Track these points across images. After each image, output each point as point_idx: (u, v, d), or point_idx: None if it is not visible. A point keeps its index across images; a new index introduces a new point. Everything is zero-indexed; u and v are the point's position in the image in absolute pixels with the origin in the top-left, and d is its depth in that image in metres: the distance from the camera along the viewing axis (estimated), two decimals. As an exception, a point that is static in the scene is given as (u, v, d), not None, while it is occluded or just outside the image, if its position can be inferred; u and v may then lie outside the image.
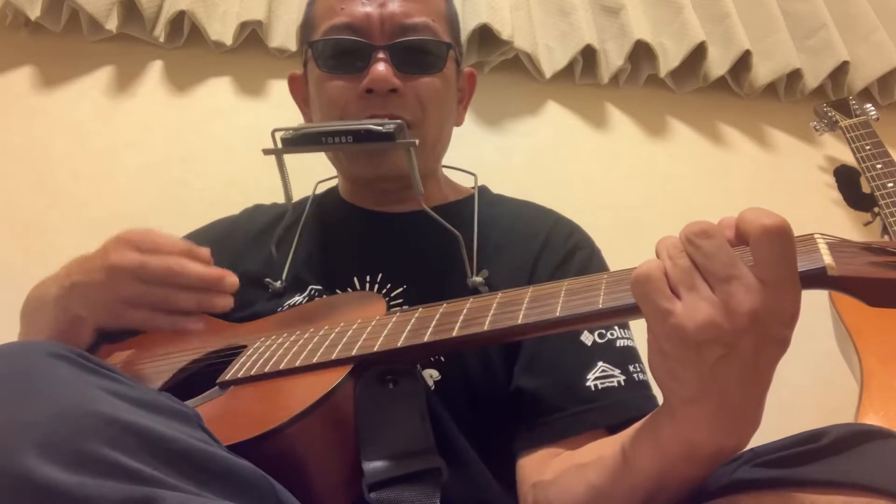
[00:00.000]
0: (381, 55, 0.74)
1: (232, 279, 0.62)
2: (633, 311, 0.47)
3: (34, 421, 0.38)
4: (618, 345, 0.68)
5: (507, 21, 1.37)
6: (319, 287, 0.78)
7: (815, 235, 0.45)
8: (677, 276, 0.42)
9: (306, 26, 0.85)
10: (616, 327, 0.70)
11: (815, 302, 1.15)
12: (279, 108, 1.36)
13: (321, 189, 0.94)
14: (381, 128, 0.67)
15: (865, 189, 1.33)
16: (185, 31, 1.34)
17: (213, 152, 1.30)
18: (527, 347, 0.71)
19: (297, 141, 0.70)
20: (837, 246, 0.44)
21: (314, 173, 0.94)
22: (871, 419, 0.92)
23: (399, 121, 0.68)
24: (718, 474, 0.48)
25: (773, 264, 0.40)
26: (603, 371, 0.66)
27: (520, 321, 0.52)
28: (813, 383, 1.22)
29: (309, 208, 0.88)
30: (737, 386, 0.42)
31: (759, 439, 0.50)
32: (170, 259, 0.60)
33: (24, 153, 1.25)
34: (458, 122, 0.90)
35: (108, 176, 1.25)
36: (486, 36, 1.39)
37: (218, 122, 1.33)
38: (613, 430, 0.61)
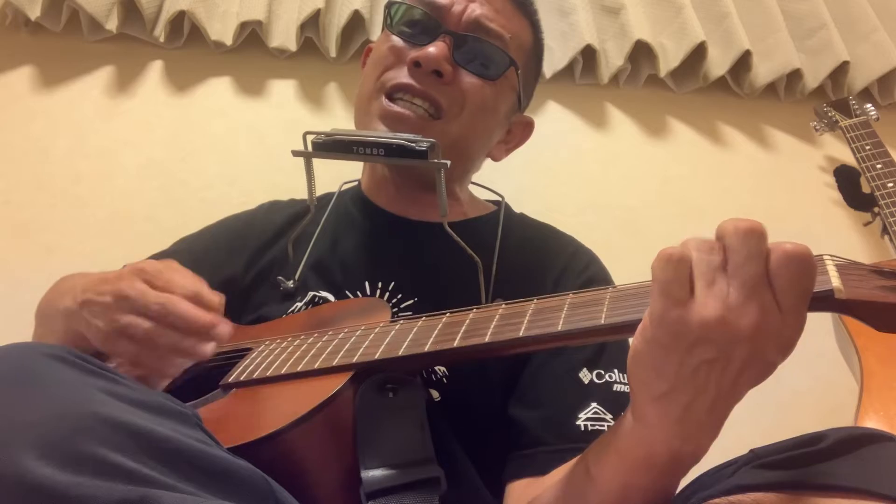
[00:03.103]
0: (445, 38, 0.75)
1: (222, 330, 0.59)
2: (635, 328, 0.46)
3: (32, 422, 0.38)
4: (615, 389, 0.68)
5: (507, 21, 1.37)
6: (325, 294, 0.78)
7: (825, 256, 0.44)
8: (700, 269, 0.41)
9: None
10: (616, 371, 0.69)
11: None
12: (279, 108, 1.36)
13: (344, 189, 0.94)
14: (414, 145, 0.67)
15: (865, 189, 1.33)
16: (185, 31, 1.34)
17: (213, 152, 1.30)
18: (525, 377, 0.71)
19: (328, 147, 0.69)
20: (846, 268, 0.43)
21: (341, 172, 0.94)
22: (871, 419, 0.92)
23: (433, 140, 0.68)
24: (719, 476, 0.48)
25: (791, 287, 0.39)
26: (595, 413, 0.66)
27: (521, 334, 0.52)
28: (813, 383, 1.22)
29: (330, 209, 0.88)
30: (711, 394, 0.42)
31: (759, 439, 0.50)
32: (166, 296, 0.58)
33: (24, 153, 1.25)
34: (495, 157, 0.90)
35: (108, 176, 1.25)
36: (486, 36, 1.39)
37: (218, 122, 1.33)
38: None
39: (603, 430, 0.64)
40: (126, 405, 0.41)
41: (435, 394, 0.69)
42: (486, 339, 0.53)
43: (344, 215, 0.88)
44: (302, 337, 0.66)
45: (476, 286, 0.75)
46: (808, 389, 1.22)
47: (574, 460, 0.57)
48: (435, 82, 0.76)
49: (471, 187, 0.95)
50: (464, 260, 0.74)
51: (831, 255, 0.44)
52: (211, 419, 0.47)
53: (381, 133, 0.71)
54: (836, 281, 0.42)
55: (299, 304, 0.77)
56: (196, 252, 0.88)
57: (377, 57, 0.81)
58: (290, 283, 0.79)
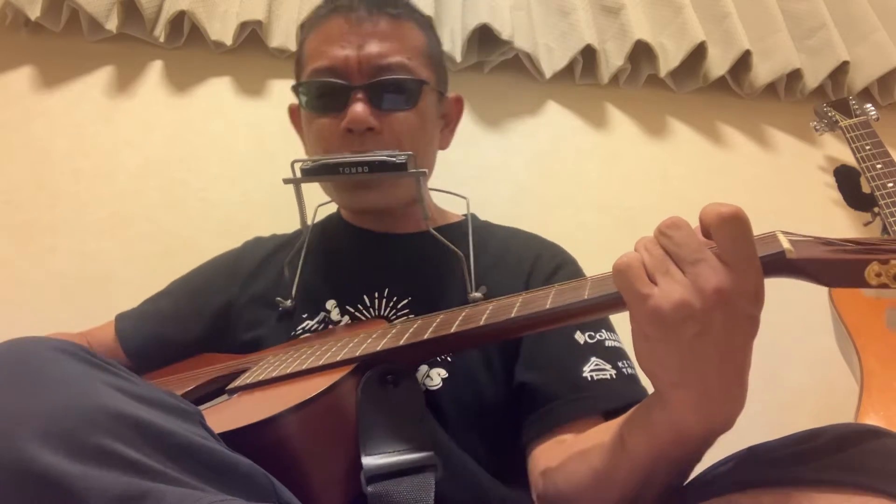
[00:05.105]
0: (358, 95, 0.80)
1: None
2: (617, 302, 0.49)
3: (39, 412, 0.39)
4: (606, 344, 0.74)
5: (507, 21, 1.37)
6: (330, 308, 0.82)
7: (777, 231, 0.49)
8: (652, 263, 0.46)
9: (298, 65, 0.91)
10: (604, 330, 0.76)
11: (815, 302, 1.16)
12: (279, 108, 1.36)
13: (321, 211, 0.98)
14: (393, 159, 0.74)
15: (865, 189, 1.33)
16: (185, 31, 1.35)
17: (213, 152, 1.30)
18: (526, 347, 0.76)
19: (316, 171, 0.76)
20: (796, 238, 0.48)
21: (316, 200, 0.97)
22: (872, 419, 0.92)
23: (410, 152, 0.75)
24: (718, 473, 0.49)
25: (731, 245, 0.44)
26: (596, 365, 0.72)
27: (514, 315, 0.55)
28: (813, 383, 1.22)
29: (312, 232, 0.93)
30: (715, 365, 0.45)
31: (759, 439, 0.50)
32: None
33: (24, 153, 1.25)
34: (443, 146, 0.95)
35: (108, 176, 1.25)
36: (486, 36, 1.38)
37: (218, 122, 1.33)
38: (608, 415, 0.67)
39: (606, 378, 0.70)
40: (130, 399, 0.43)
41: (443, 372, 0.74)
42: (482, 323, 0.56)
43: (332, 237, 0.94)
44: (305, 346, 0.69)
45: (459, 278, 0.81)
46: (808, 389, 1.22)
47: (602, 428, 0.61)
48: (371, 135, 0.80)
49: (437, 195, 1.00)
50: (446, 260, 0.82)
51: (783, 231, 0.49)
52: (216, 417, 0.48)
53: (361, 153, 0.77)
54: (786, 244, 0.47)
55: (311, 323, 0.82)
56: (193, 285, 0.94)
57: (314, 138, 0.85)
58: (289, 303, 0.84)
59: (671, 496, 0.52)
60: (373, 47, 0.81)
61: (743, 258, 0.44)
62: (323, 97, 0.83)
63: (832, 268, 0.45)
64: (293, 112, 0.96)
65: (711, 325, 0.44)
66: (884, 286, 0.44)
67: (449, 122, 0.95)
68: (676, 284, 0.44)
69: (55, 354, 0.44)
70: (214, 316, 0.89)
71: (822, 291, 1.12)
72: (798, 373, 1.23)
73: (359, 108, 0.79)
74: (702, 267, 0.44)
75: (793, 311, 1.27)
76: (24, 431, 0.37)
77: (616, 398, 0.69)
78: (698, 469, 0.52)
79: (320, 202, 0.95)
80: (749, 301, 0.44)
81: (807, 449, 0.46)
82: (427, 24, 0.91)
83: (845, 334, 1.07)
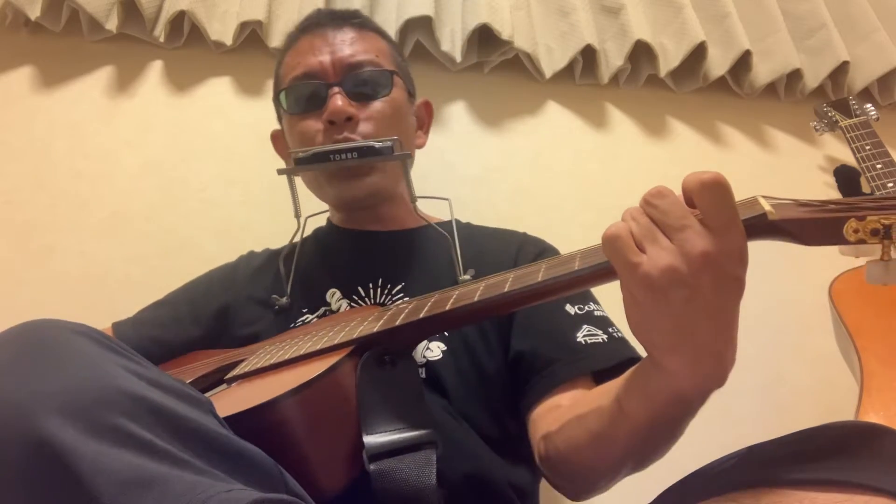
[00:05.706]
0: (335, 90, 0.86)
1: None
2: (608, 272, 0.51)
3: (57, 390, 0.40)
4: (595, 314, 0.80)
5: (507, 21, 1.37)
6: (329, 304, 0.85)
7: (757, 196, 0.51)
8: (640, 232, 0.47)
9: (276, 85, 0.97)
10: (591, 303, 0.81)
11: (815, 302, 1.16)
12: (279, 108, 1.36)
13: (310, 223, 1.01)
14: (380, 144, 0.80)
15: (865, 189, 1.33)
16: (185, 31, 1.34)
17: (213, 152, 1.30)
18: (519, 321, 0.80)
19: (309, 160, 0.80)
20: (776, 201, 0.50)
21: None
22: (871, 419, 0.92)
23: (395, 137, 0.81)
24: (717, 472, 0.49)
25: (714, 210, 0.45)
26: (588, 331, 0.76)
27: (507, 289, 0.57)
28: (813, 383, 1.22)
29: (303, 241, 0.96)
30: (705, 327, 0.47)
31: (759, 438, 0.50)
32: None
33: (24, 153, 1.25)
34: (419, 145, 1.01)
35: (108, 176, 1.25)
36: (486, 36, 1.39)
37: (218, 121, 1.33)
38: (602, 375, 0.71)
39: (599, 342, 0.75)
40: (145, 383, 0.44)
41: (442, 345, 0.77)
42: (476, 299, 0.58)
43: (325, 242, 0.98)
44: (301, 334, 0.70)
45: (449, 264, 0.85)
46: (808, 389, 1.22)
47: (600, 392, 0.63)
48: (351, 125, 0.86)
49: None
50: (433, 247, 0.89)
51: (764, 196, 0.51)
52: (217, 403, 0.49)
53: (350, 142, 0.83)
54: (767, 207, 0.48)
55: (311, 317, 0.84)
56: (192, 294, 0.96)
57: (298, 139, 0.90)
58: (284, 300, 0.87)
59: (671, 495, 0.52)
60: (343, 51, 0.89)
61: (726, 222, 0.45)
62: (303, 100, 0.89)
63: (812, 227, 0.47)
64: (275, 138, 1.02)
65: (700, 288, 0.45)
66: (861, 242, 0.45)
67: (422, 125, 1.02)
68: (664, 251, 0.46)
69: (72, 336, 0.45)
70: (213, 320, 0.91)
71: (822, 291, 1.12)
72: (798, 373, 1.23)
73: (337, 100, 0.85)
74: (687, 233, 0.45)
75: (793, 311, 1.27)
76: (42, 408, 0.38)
77: (612, 356, 0.73)
78: (695, 465, 0.52)
79: (308, 213, 0.97)
80: (734, 263, 0.46)
81: (807, 448, 0.46)
82: (388, 37, 0.99)
83: (845, 334, 1.07)
